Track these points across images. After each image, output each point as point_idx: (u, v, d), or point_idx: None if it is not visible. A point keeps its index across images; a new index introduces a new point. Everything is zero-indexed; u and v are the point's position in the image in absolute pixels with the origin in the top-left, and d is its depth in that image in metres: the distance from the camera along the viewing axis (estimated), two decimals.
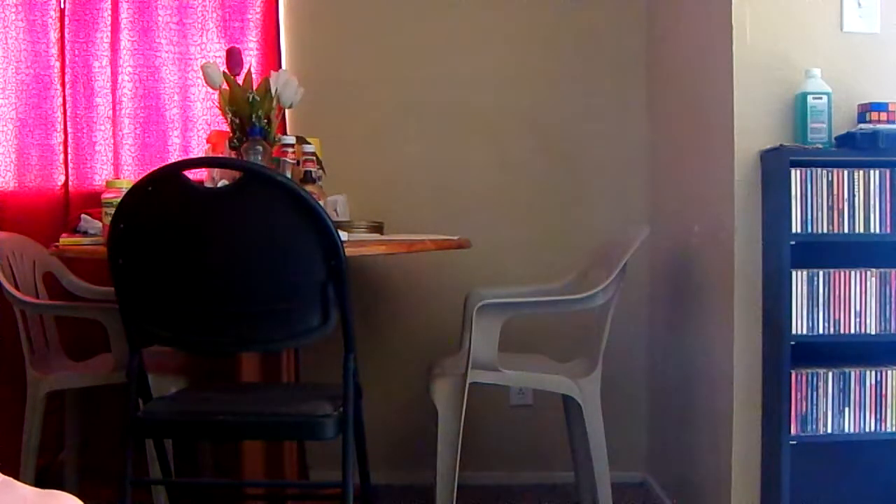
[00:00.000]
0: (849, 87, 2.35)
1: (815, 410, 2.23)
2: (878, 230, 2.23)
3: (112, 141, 3.08)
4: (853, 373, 2.24)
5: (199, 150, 3.09)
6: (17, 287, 2.57)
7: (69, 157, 3.07)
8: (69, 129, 3.07)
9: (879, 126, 2.22)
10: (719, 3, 2.42)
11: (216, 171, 2.45)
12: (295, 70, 3.10)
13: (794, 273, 2.22)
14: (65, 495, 1.02)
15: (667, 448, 3.06)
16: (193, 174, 2.19)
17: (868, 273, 2.23)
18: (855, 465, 2.37)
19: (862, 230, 2.23)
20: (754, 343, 2.36)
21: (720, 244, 2.45)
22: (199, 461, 2.87)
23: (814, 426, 2.24)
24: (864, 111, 2.27)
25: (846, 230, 2.22)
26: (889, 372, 2.24)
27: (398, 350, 3.19)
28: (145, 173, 2.04)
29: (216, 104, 2.74)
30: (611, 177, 3.23)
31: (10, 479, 1.03)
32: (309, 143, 2.63)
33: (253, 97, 2.58)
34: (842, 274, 2.23)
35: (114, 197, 2.24)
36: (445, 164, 3.22)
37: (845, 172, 2.22)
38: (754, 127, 2.36)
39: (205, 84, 2.70)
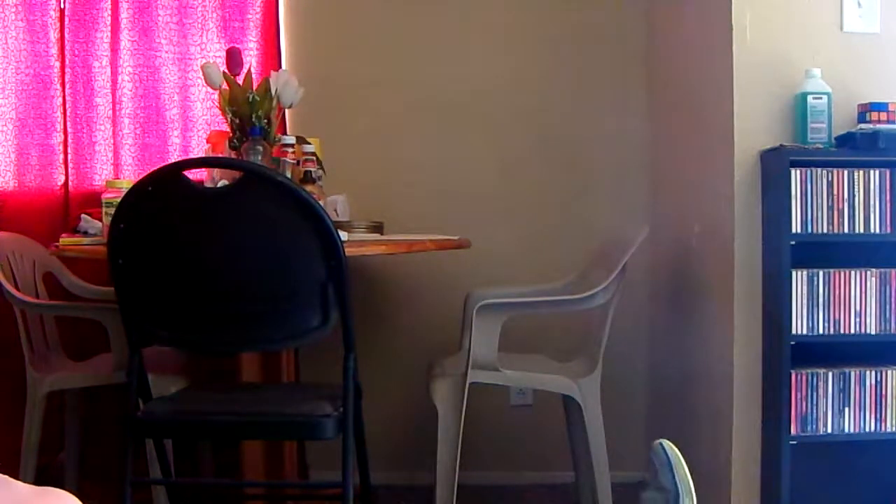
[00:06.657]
0: (849, 87, 2.35)
1: (815, 410, 2.24)
2: (878, 230, 2.23)
3: (112, 141, 3.08)
4: (853, 373, 2.24)
5: (199, 150, 3.09)
6: (17, 287, 2.57)
7: (69, 157, 3.07)
8: (69, 129, 3.07)
9: (879, 126, 2.23)
10: (719, 3, 2.42)
11: (216, 171, 2.45)
12: (295, 70, 3.10)
13: (794, 273, 2.22)
14: (60, 492, 1.03)
15: None
16: (193, 174, 2.19)
17: (868, 273, 2.23)
18: (855, 465, 2.37)
19: (862, 230, 2.23)
20: (754, 343, 2.36)
21: (720, 244, 2.45)
22: (199, 461, 2.87)
23: (814, 426, 2.24)
24: (864, 111, 2.27)
25: (846, 230, 2.23)
26: (889, 372, 2.24)
27: (398, 350, 3.19)
28: (145, 173, 2.04)
29: (216, 104, 2.74)
30: (611, 177, 3.23)
31: (7, 477, 1.03)
32: (309, 143, 2.63)
33: (253, 97, 2.58)
34: (842, 274, 2.23)
35: (114, 197, 2.23)
36: (445, 164, 3.22)
37: (845, 172, 2.22)
38: (754, 127, 2.36)
39: (205, 84, 2.70)
